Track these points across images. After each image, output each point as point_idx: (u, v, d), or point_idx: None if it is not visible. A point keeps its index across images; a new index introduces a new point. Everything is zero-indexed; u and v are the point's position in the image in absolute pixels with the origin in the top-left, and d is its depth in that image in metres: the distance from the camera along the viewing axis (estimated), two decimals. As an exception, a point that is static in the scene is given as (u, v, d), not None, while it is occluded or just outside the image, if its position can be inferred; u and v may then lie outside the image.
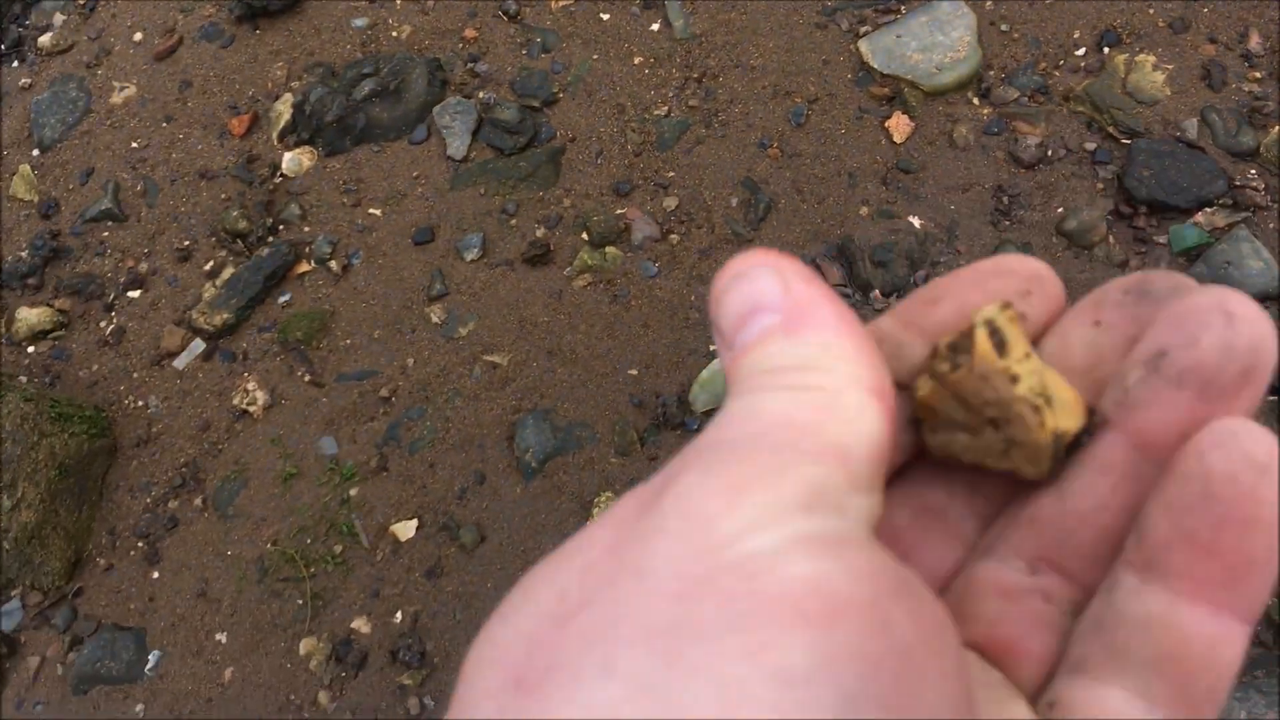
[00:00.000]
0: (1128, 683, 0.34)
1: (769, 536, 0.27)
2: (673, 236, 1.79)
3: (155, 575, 1.72)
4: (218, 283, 1.90)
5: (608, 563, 0.28)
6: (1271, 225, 1.58)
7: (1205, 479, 0.33)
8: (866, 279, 1.66)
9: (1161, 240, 1.61)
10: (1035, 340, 0.39)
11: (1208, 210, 1.59)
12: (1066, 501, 0.38)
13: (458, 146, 1.92)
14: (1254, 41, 1.71)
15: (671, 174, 1.84)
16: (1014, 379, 0.35)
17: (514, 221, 1.85)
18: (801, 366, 0.32)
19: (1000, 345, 0.36)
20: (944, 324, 0.39)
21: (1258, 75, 1.68)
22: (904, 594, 0.28)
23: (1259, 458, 0.32)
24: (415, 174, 1.93)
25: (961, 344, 0.36)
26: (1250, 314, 0.35)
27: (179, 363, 1.87)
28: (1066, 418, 0.36)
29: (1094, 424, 0.37)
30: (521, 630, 0.28)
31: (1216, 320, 0.35)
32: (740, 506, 0.27)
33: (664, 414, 1.66)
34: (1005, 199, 1.69)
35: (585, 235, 1.81)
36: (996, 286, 0.40)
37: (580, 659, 0.26)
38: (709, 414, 1.63)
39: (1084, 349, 0.38)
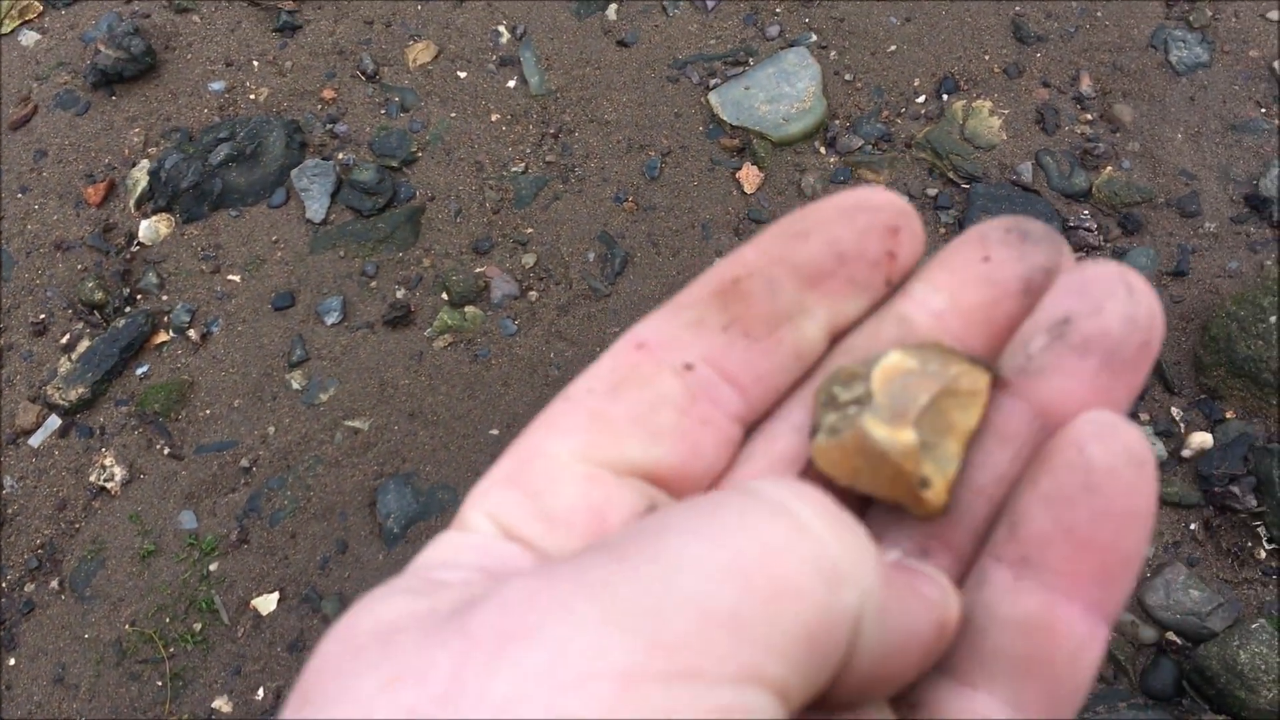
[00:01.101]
0: (997, 688, 0.33)
1: None
2: (532, 293, 1.80)
3: (11, 662, 1.68)
4: (73, 356, 1.87)
5: None
6: (1105, 265, 1.63)
7: (1086, 471, 0.32)
8: (721, 330, 1.68)
9: (1002, 283, 1.64)
10: (899, 280, 0.38)
11: (1044, 252, 1.63)
12: (962, 474, 0.36)
13: (316, 209, 1.91)
14: (1085, 84, 1.76)
15: (530, 230, 1.85)
16: (902, 448, 0.34)
17: (374, 283, 1.84)
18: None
19: (896, 406, 0.35)
20: (813, 261, 0.37)
21: (1089, 117, 1.73)
22: None
23: (1138, 451, 0.32)
24: (274, 238, 1.92)
25: (856, 384, 0.35)
26: (1147, 288, 0.34)
27: (35, 440, 1.83)
28: (940, 470, 0.35)
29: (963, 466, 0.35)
30: None
31: (1119, 290, 0.34)
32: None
33: (525, 473, 1.66)
34: (854, 246, 1.72)
35: (445, 295, 1.81)
36: (864, 222, 0.37)
37: None
38: (569, 472, 1.63)
39: (979, 285, 0.36)
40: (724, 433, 0.37)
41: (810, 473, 0.37)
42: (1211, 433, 1.47)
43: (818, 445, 0.35)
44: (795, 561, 0.26)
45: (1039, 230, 0.36)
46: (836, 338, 0.37)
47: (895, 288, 0.37)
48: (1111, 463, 0.32)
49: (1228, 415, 1.48)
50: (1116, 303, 0.34)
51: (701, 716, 0.23)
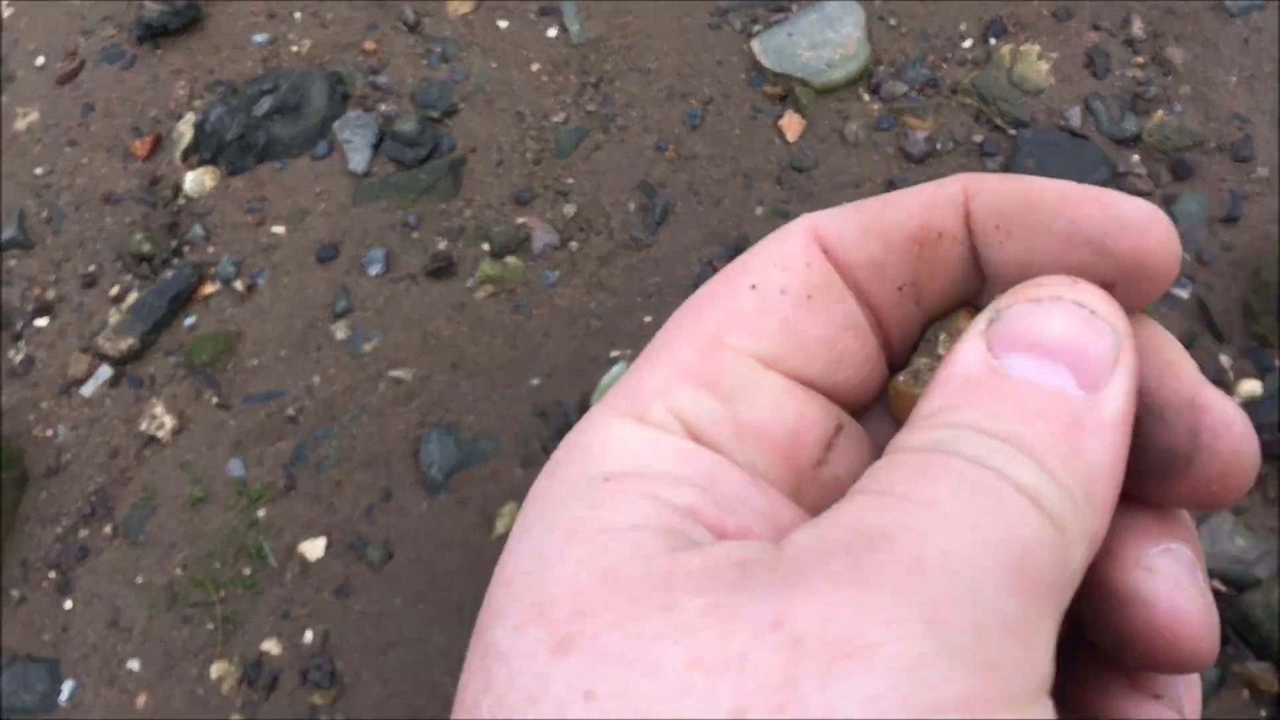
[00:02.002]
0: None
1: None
2: (572, 244, 1.80)
3: (67, 605, 1.72)
4: (123, 308, 1.89)
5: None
6: (1154, 211, 1.60)
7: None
8: (763, 279, 1.67)
9: (1048, 230, 1.62)
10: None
11: (1091, 199, 1.61)
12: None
13: (359, 161, 1.92)
14: (1136, 27, 1.72)
15: (570, 181, 1.85)
16: None
17: (416, 235, 1.85)
18: (1059, 496, 0.24)
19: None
20: (1003, 267, 0.31)
21: (1140, 61, 1.70)
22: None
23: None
24: (318, 190, 1.93)
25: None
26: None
27: (86, 390, 1.86)
28: None
29: None
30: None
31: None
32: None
33: (566, 423, 1.66)
34: (897, 194, 1.71)
35: (486, 246, 1.81)
36: (1080, 259, 0.30)
37: None
38: (610, 421, 1.64)
39: None
40: (880, 363, 0.34)
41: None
42: (1261, 380, 1.45)
43: (894, 382, 0.34)
44: (1048, 556, 0.23)
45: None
46: None
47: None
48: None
49: (1278, 363, 1.46)
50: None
51: None
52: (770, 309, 0.30)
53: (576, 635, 0.22)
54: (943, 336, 0.34)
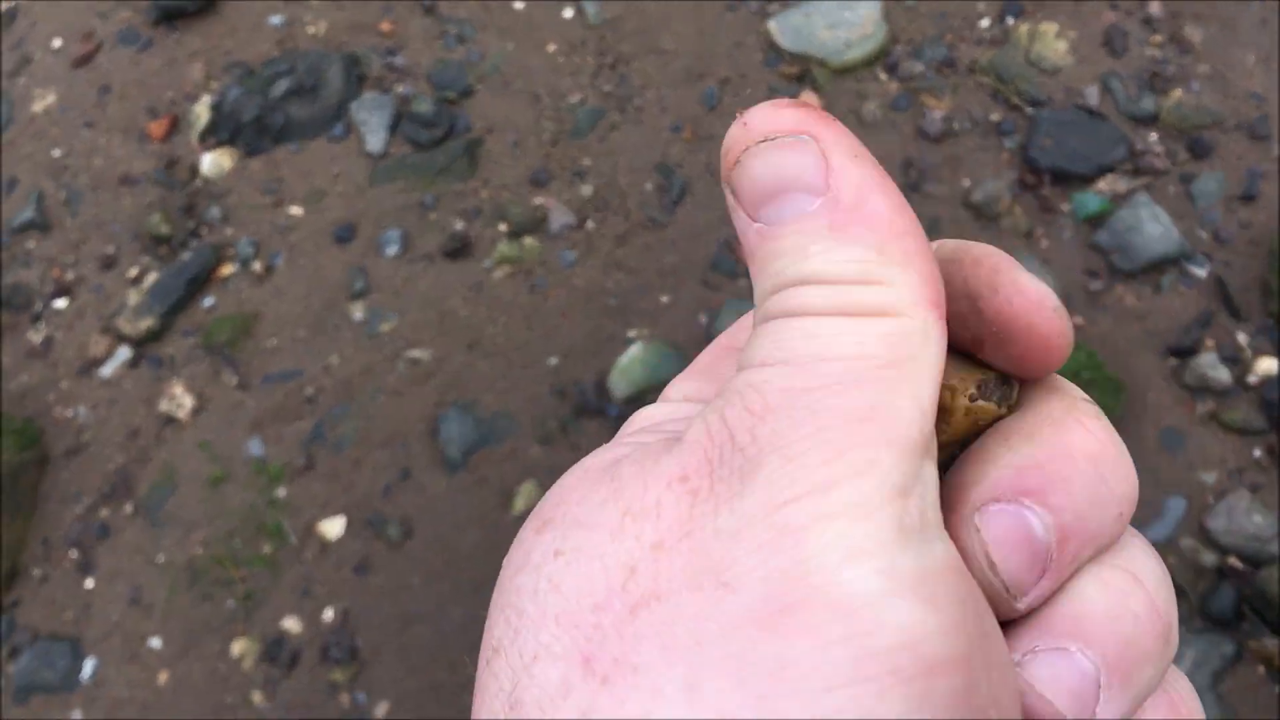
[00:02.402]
0: None
1: (866, 574, 0.25)
2: (589, 224, 1.80)
3: (89, 584, 1.74)
4: (142, 289, 1.90)
5: (685, 552, 0.26)
6: (1172, 189, 1.60)
7: None
8: (779, 259, 1.67)
9: (1065, 209, 1.62)
10: None
11: (1109, 177, 1.61)
12: None
13: (375, 142, 1.92)
14: (1154, 6, 1.72)
15: (587, 161, 1.85)
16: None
17: (433, 215, 1.86)
18: (856, 279, 0.27)
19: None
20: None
21: (1158, 39, 1.69)
22: (985, 644, 0.26)
23: None
24: (335, 171, 1.93)
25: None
26: None
27: (106, 371, 1.88)
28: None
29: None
30: (586, 589, 0.26)
31: None
32: (833, 522, 0.25)
33: (584, 402, 1.67)
34: (914, 173, 1.71)
35: (503, 226, 1.82)
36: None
37: (660, 668, 0.24)
38: (628, 401, 1.65)
39: None
40: None
41: None
42: (1278, 359, 1.45)
43: None
44: (890, 349, 0.27)
45: None
46: None
47: None
48: None
49: (1297, 341, 1.46)
50: None
51: (887, 502, 0.26)
52: None
53: (553, 517, 0.28)
54: None
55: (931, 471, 0.27)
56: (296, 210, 1.92)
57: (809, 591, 0.24)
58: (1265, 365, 1.45)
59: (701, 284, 1.71)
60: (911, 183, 1.70)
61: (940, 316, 0.28)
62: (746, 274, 1.71)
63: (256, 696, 1.61)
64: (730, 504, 0.26)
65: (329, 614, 1.63)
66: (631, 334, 1.70)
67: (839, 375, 0.26)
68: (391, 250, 1.84)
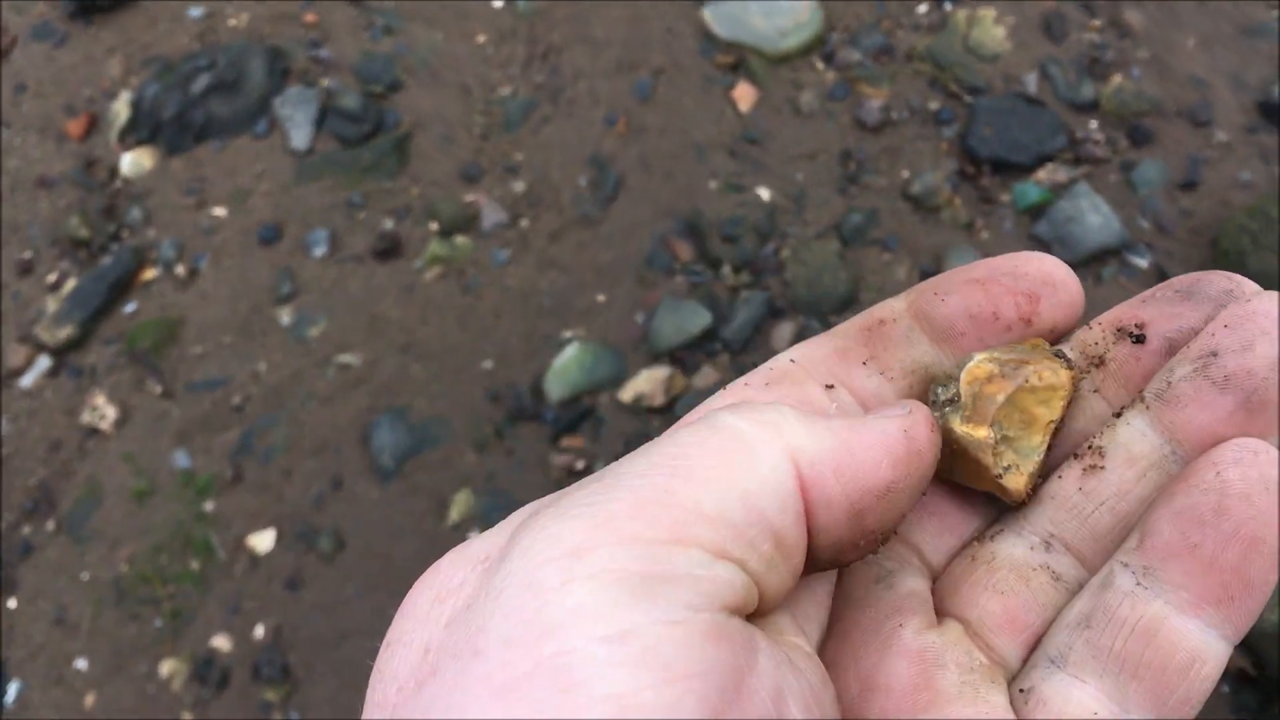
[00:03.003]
0: (1105, 683, 0.35)
1: (595, 641, 0.27)
2: (523, 221, 1.75)
3: (11, 604, 1.68)
4: (61, 295, 1.84)
5: (461, 623, 0.29)
6: (1112, 178, 1.57)
7: (1220, 493, 0.33)
8: (717, 255, 1.63)
9: (1005, 199, 1.59)
10: (1055, 341, 0.43)
11: (1049, 166, 1.58)
12: (1088, 483, 0.39)
13: (300, 138, 1.86)
14: (1093, -11, 1.68)
15: (519, 156, 1.80)
16: (979, 439, 0.40)
17: (362, 214, 1.80)
18: (730, 407, 0.33)
19: (975, 405, 0.40)
20: (947, 320, 0.42)
21: (1097, 24, 1.66)
22: (724, 700, 0.27)
23: (1275, 481, 0.33)
24: (259, 170, 1.87)
25: (949, 386, 0.41)
26: None
27: (25, 381, 1.81)
28: (1023, 461, 0.40)
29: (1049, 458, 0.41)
30: (395, 673, 0.30)
31: (1274, 330, 0.36)
32: (574, 583, 0.27)
33: (519, 406, 1.63)
34: (852, 165, 1.67)
35: (434, 225, 1.77)
36: (1001, 288, 0.42)
37: None
38: (563, 404, 1.60)
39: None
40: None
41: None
42: (1220, 351, 1.43)
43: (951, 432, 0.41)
44: (712, 449, 0.32)
45: (1212, 288, 0.39)
46: None
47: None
48: (1246, 489, 0.33)
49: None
50: (1267, 343, 0.36)
51: (640, 569, 0.28)
52: (729, 393, 0.41)
53: (400, 609, 0.32)
54: (937, 390, 0.42)
55: (719, 570, 0.30)
56: (220, 211, 1.86)
57: (538, 660, 0.26)
58: (1207, 357, 1.42)
59: (637, 281, 1.67)
60: (850, 175, 1.67)
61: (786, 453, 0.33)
62: (683, 271, 1.67)
63: (186, 717, 1.56)
64: (502, 565, 0.29)
65: (260, 631, 1.59)
66: (567, 334, 1.66)
67: (644, 468, 0.31)
68: (319, 251, 1.78)
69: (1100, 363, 0.42)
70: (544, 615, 0.27)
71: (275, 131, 1.89)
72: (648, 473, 0.31)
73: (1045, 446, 0.41)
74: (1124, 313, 0.42)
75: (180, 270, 1.82)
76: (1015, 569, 0.40)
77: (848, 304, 1.57)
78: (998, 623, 0.39)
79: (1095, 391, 0.42)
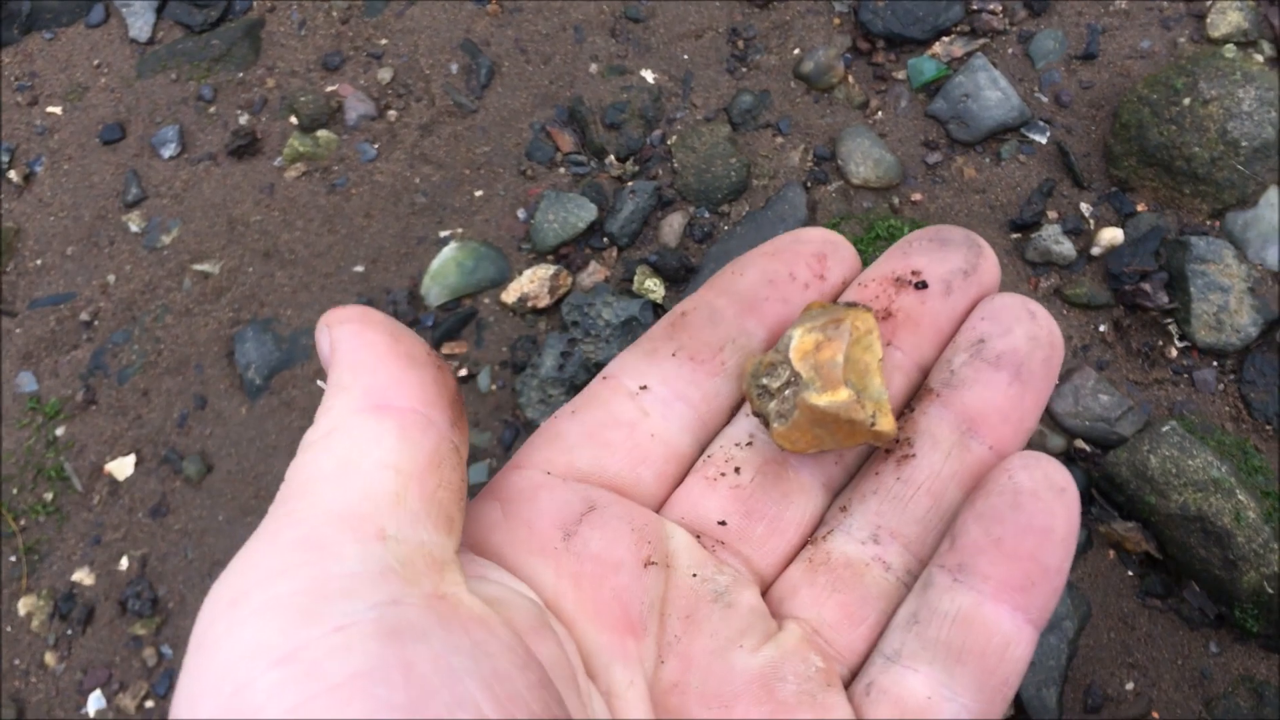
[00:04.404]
0: (935, 671, 0.38)
1: (266, 664, 0.28)
2: (390, 113, 1.62)
3: None
4: (-121, 208, 1.66)
5: (171, 703, 0.30)
6: (1010, 51, 1.50)
7: (1014, 493, 0.38)
8: (601, 143, 1.53)
9: (900, 76, 1.51)
10: (835, 297, 0.46)
11: (945, 40, 1.50)
12: (903, 472, 0.43)
13: (140, 27, 1.69)
14: None
15: (384, 41, 1.66)
16: (842, 397, 0.42)
17: (213, 109, 1.65)
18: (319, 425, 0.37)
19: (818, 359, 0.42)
20: (749, 289, 0.46)
21: (992, -113, 1.57)
22: (391, 691, 0.28)
23: (1058, 481, 0.39)
24: (96, 63, 1.70)
25: (779, 369, 0.43)
26: (1046, 314, 0.43)
27: None
28: (879, 403, 0.42)
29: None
30: None
31: (1024, 315, 0.42)
32: (237, 626, 0.29)
33: (396, 311, 1.52)
34: (741, 43, 1.57)
35: (294, 119, 1.63)
36: (792, 253, 0.46)
37: None
38: (443, 308, 1.50)
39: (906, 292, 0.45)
40: (673, 443, 0.45)
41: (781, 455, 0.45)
42: (1122, 228, 1.39)
43: (776, 431, 0.43)
44: (321, 466, 0.35)
45: (958, 236, 0.45)
46: None
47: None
48: (1035, 487, 0.38)
49: (1139, 208, 1.39)
50: (1022, 324, 0.42)
51: (299, 589, 0.30)
52: (546, 427, 0.46)
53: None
54: (764, 381, 0.44)
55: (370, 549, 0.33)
56: (55, 109, 1.69)
57: (220, 702, 0.28)
58: (1109, 235, 1.38)
59: (518, 174, 1.56)
60: (738, 54, 1.57)
61: (385, 413, 0.36)
62: (565, 162, 1.56)
63: (50, 658, 1.45)
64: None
65: (125, 563, 1.48)
66: (444, 234, 1.55)
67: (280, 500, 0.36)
68: (168, 151, 1.63)
69: (887, 314, 0.45)
70: (217, 662, 0.28)
71: (112, 20, 1.72)
72: (273, 511, 0.33)
73: (885, 384, 0.43)
74: (893, 265, 0.46)
75: (14, 176, 1.65)
76: (850, 565, 0.42)
77: (740, 191, 1.48)
78: (837, 620, 0.42)
79: (889, 344, 0.45)
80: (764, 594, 0.44)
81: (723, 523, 0.44)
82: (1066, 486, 0.39)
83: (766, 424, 0.43)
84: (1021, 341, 0.42)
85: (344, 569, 0.31)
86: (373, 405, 0.36)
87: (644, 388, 0.45)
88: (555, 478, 0.43)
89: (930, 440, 0.43)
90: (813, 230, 0.47)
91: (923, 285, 0.45)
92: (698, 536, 0.44)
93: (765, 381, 0.43)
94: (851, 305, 0.44)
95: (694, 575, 0.42)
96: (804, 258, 0.46)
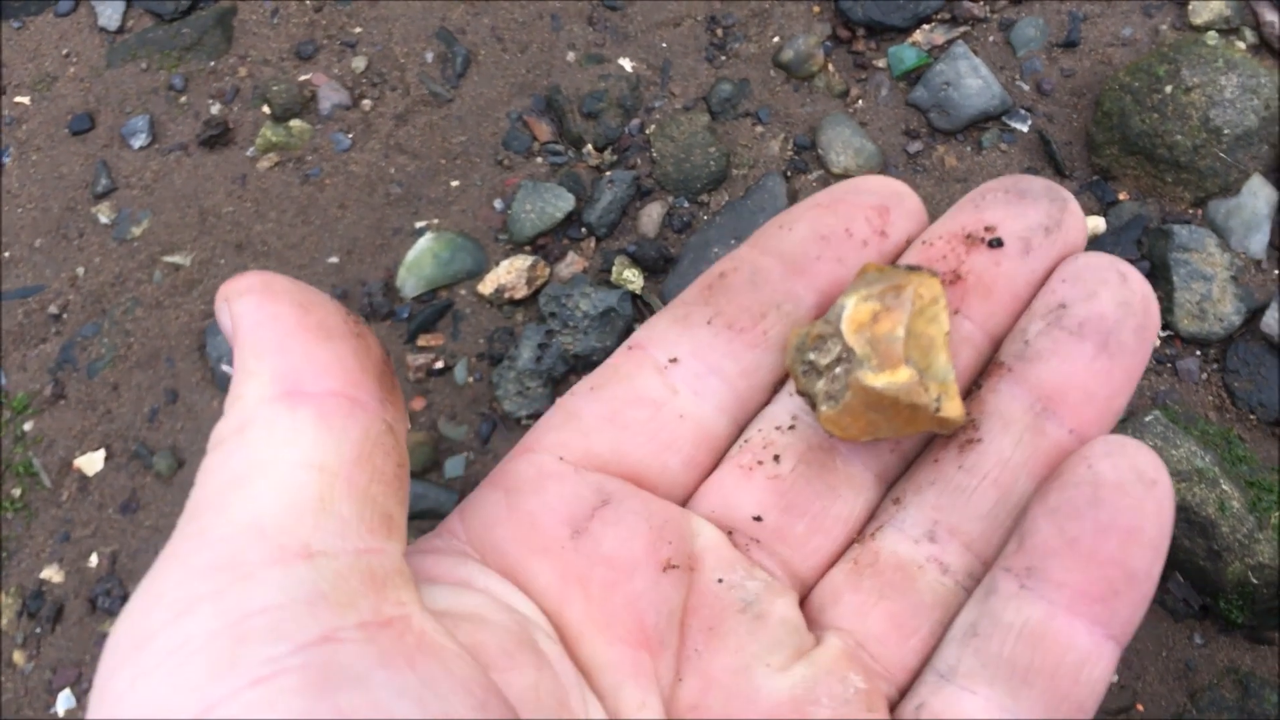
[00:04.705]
0: (997, 692, 0.33)
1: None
2: (365, 102, 1.60)
3: None
4: None
5: None
6: (991, 39, 1.49)
7: (1094, 486, 0.33)
8: (578, 133, 1.51)
9: (881, 65, 1.50)
10: (898, 253, 0.41)
11: (925, 28, 1.49)
12: (967, 460, 0.37)
13: (110, 15, 1.66)
14: None
15: (359, 29, 1.64)
16: (905, 379, 0.36)
17: (184, 99, 1.62)
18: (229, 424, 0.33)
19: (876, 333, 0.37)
20: (798, 247, 0.40)
21: (973, -126, 1.56)
22: None
23: (1148, 472, 0.33)
24: (64, 52, 1.67)
25: (829, 343, 0.37)
26: (1139, 276, 0.37)
27: None
28: (945, 385, 0.37)
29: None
30: None
31: (1112, 277, 0.36)
32: (140, 679, 0.26)
33: (371, 303, 1.50)
34: (719, 31, 1.55)
35: (267, 108, 1.60)
36: (849, 206, 0.40)
37: None
38: (419, 299, 1.48)
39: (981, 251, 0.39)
40: (705, 425, 0.40)
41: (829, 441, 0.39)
42: (1104, 216, 1.38)
43: (825, 415, 0.37)
44: (223, 477, 0.32)
45: (1038, 187, 0.39)
46: None
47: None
48: (1120, 478, 0.33)
49: (1121, 197, 1.38)
50: (1110, 289, 0.36)
51: (216, 629, 0.27)
52: (559, 406, 0.41)
53: None
54: (811, 356, 0.38)
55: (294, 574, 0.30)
56: (23, 99, 1.66)
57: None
58: (1091, 224, 1.37)
59: (494, 164, 1.54)
60: (717, 42, 1.55)
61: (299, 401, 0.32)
62: (542, 152, 1.54)
63: (18, 657, 1.42)
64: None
65: (94, 560, 1.45)
66: (420, 224, 1.52)
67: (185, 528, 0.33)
68: (139, 141, 1.60)
69: (956, 278, 0.39)
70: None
71: (81, 8, 1.69)
72: (181, 527, 0.29)
73: (951, 361, 0.38)
74: (964, 219, 0.40)
75: (-20, 167, 1.62)
76: (901, 568, 0.37)
77: (719, 181, 1.46)
78: (884, 632, 0.37)
79: (956, 312, 0.39)
80: (803, 601, 0.40)
81: (758, 518, 0.40)
82: (1158, 479, 0.33)
83: (813, 406, 0.38)
84: (1109, 307, 0.36)
85: (264, 600, 0.27)
86: (284, 391, 0.31)
87: (674, 360, 0.40)
88: (568, 465, 0.38)
89: (1000, 422, 0.37)
90: (874, 178, 0.41)
91: (997, 243, 0.39)
92: (729, 534, 0.40)
93: (813, 357, 0.38)
94: (915, 269, 0.38)
95: (720, 581, 0.38)
96: (863, 210, 0.40)
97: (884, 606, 0.37)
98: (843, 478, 0.40)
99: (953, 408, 0.37)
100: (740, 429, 0.41)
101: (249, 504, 0.30)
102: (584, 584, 0.36)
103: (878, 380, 0.36)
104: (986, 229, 0.39)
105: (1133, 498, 0.33)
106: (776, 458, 0.40)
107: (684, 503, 0.41)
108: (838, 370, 0.37)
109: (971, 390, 0.40)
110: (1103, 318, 0.36)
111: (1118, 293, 0.36)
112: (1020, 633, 0.33)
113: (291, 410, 0.31)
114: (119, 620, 0.28)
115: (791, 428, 0.40)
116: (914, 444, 0.41)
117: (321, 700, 0.26)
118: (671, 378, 0.40)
